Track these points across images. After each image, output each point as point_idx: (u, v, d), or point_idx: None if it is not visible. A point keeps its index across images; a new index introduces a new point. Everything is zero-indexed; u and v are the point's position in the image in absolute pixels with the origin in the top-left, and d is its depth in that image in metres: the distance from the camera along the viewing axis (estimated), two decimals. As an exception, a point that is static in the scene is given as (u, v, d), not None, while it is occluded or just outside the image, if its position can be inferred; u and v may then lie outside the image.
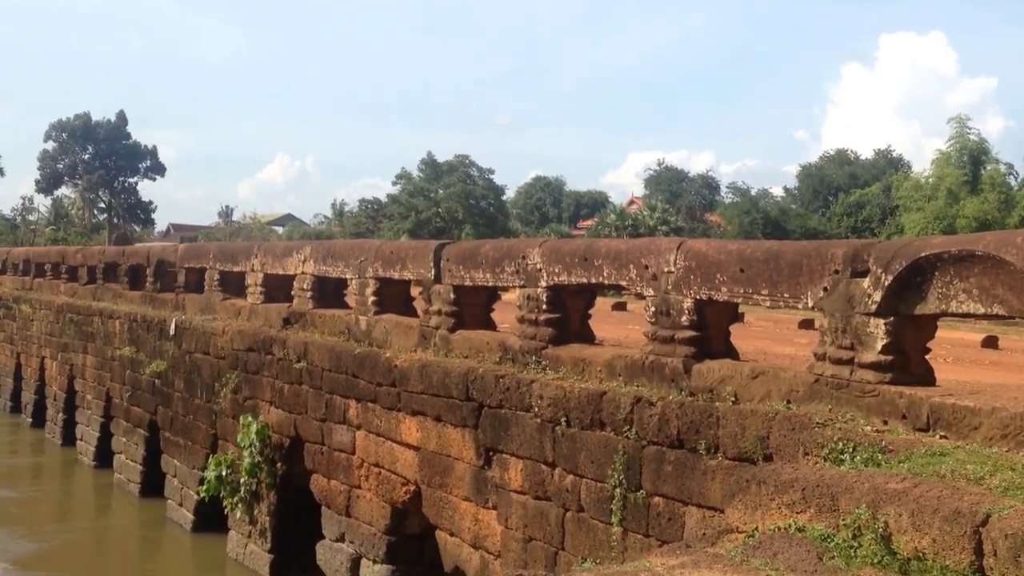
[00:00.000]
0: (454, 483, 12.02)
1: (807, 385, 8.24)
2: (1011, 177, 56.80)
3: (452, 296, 12.68)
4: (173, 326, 19.68)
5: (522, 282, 11.48)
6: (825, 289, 8.12)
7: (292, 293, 16.50)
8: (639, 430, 9.31)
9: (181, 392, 19.38)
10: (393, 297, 14.40)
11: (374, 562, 13.77)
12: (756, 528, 6.75)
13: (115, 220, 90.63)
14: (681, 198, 74.89)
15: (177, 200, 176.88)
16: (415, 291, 14.68)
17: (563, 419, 10.18)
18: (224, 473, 16.32)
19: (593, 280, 10.59)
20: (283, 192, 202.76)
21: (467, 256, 12.49)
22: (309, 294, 15.94)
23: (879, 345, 7.72)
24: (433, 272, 12.98)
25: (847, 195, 68.25)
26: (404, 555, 13.62)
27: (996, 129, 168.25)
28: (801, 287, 8.34)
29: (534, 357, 11.12)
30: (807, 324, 21.15)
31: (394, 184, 74.50)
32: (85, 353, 24.94)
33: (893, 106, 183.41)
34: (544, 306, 11.13)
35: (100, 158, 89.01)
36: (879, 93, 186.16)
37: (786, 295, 8.49)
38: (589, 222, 77.68)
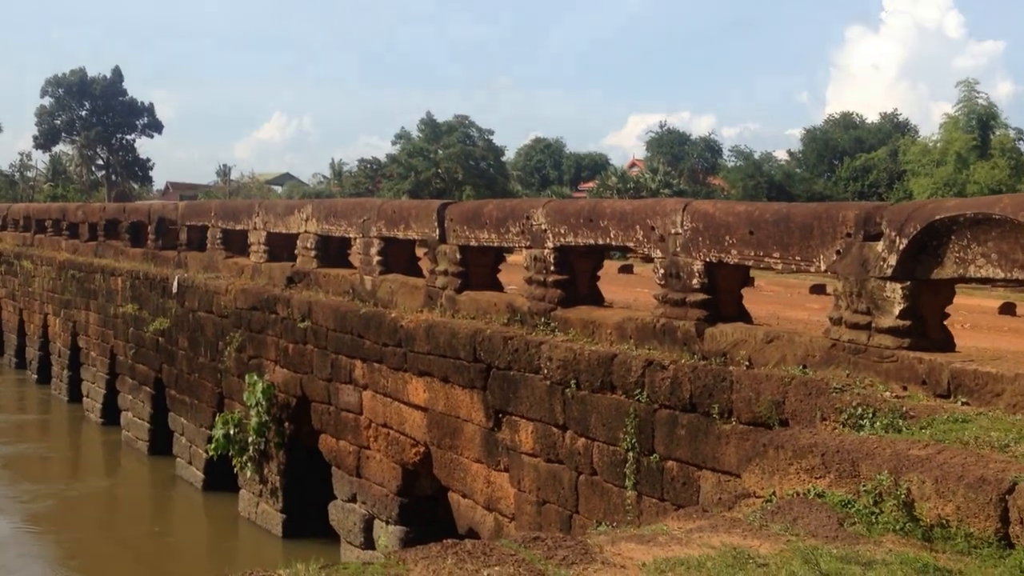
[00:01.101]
0: (464, 445, 11.95)
1: (823, 350, 8.14)
2: (1021, 143, 56.30)
3: (458, 256, 12.55)
4: (176, 284, 19.56)
5: (528, 243, 11.35)
6: (838, 252, 8.00)
7: (296, 252, 16.37)
8: (651, 393, 9.22)
9: (185, 350, 19.29)
10: (398, 257, 14.27)
11: (387, 523, 13.74)
12: (773, 493, 6.68)
13: (113, 178, 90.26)
14: (683, 161, 74.43)
15: (174, 159, 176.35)
16: (420, 251, 14.58)
17: (573, 381, 10.09)
18: (232, 432, 16.24)
19: (600, 241, 10.46)
20: (280, 151, 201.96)
21: (471, 216, 12.36)
22: (313, 253, 15.81)
23: (896, 310, 7.62)
24: (438, 232, 12.84)
25: (853, 159, 67.68)
26: (417, 516, 13.59)
27: (1004, 94, 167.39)
28: (813, 250, 8.22)
29: (543, 319, 11.01)
30: (818, 289, 21.00)
31: (393, 144, 74.05)
32: (88, 310, 24.84)
33: (898, 69, 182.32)
34: (551, 267, 11.01)
35: (97, 115, 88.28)
36: (884, 56, 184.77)
37: (797, 258, 8.38)
38: (590, 184, 77.23)
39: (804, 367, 8.21)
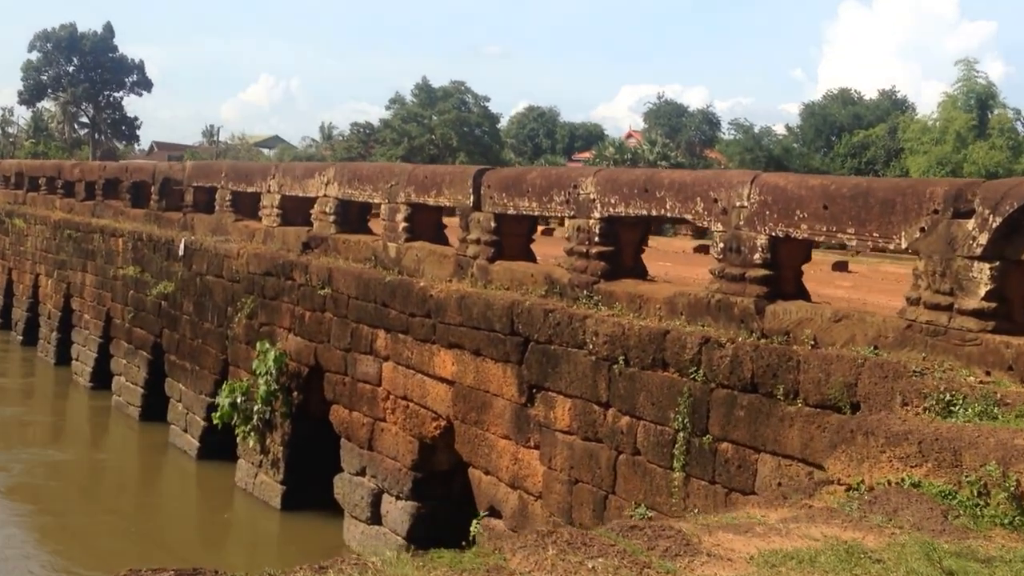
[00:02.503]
0: (492, 420, 11.69)
1: (897, 331, 7.89)
2: (1019, 123, 56.10)
3: (492, 225, 12.25)
4: (182, 247, 19.20)
5: (572, 212, 11.07)
6: (922, 230, 7.75)
7: (312, 216, 16.04)
8: (707, 372, 8.96)
9: (190, 315, 18.96)
10: (424, 224, 13.96)
11: (398, 498, 13.50)
12: (861, 481, 6.44)
13: (96, 136, 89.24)
14: (680, 133, 74.05)
15: (158, 118, 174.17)
16: (447, 219, 14.29)
17: (621, 358, 9.83)
18: (239, 400, 15.94)
19: (654, 212, 10.19)
20: (267, 114, 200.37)
21: (511, 183, 12.05)
22: (332, 218, 15.48)
23: (982, 291, 7.38)
24: (472, 199, 12.53)
25: (851, 135, 67.52)
26: (431, 492, 13.35)
27: (996, 74, 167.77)
28: (894, 227, 7.96)
29: (585, 292, 10.74)
30: (841, 267, 20.75)
31: (387, 108, 73.46)
32: (84, 271, 24.44)
33: (892, 47, 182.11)
34: (596, 238, 10.73)
35: (85, 71, 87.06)
36: (877, 33, 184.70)
37: (875, 235, 8.12)
38: (586, 154, 76.87)
39: (875, 348, 7.97)
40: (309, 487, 15.75)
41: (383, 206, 14.30)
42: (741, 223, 9.14)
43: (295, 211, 16.99)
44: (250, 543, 15.64)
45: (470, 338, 11.94)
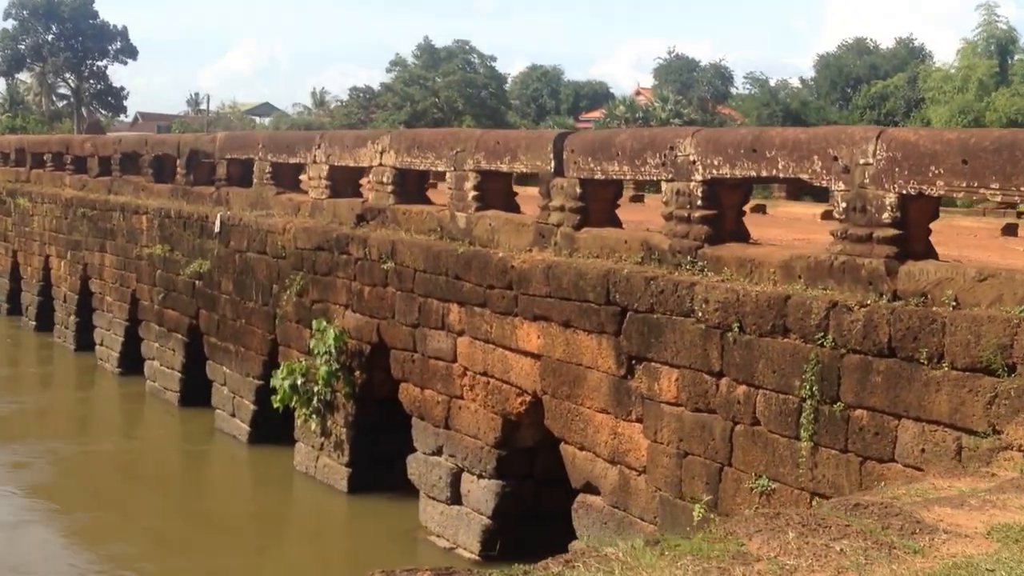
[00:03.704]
0: (587, 394, 11.75)
1: (1051, 289, 7.94)
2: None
3: (578, 191, 12.25)
4: (218, 223, 19.19)
5: (670, 175, 11.08)
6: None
7: (367, 187, 16.05)
8: (837, 337, 9.01)
9: (230, 294, 18.97)
10: (495, 192, 13.97)
11: (479, 476, 13.58)
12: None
13: (79, 107, 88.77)
14: (692, 89, 73.92)
15: (135, 88, 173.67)
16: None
17: (735, 325, 9.88)
18: (299, 382, 15.97)
19: (763, 173, 10.22)
20: (250, 80, 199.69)
21: (598, 147, 12.06)
22: (390, 188, 15.46)
23: None
24: (553, 164, 12.54)
25: (869, 86, 67.36)
26: (514, 469, 13.42)
27: (1011, 18, 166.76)
28: (1046, 179, 7.98)
29: (688, 257, 10.77)
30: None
31: (388, 72, 73.22)
32: (103, 251, 24.41)
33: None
34: (699, 202, 10.75)
35: (65, 39, 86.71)
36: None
37: (1023, 188, 8.15)
38: (596, 114, 76.69)
39: (1025, 308, 8.00)
40: (375, 468, 15.85)
41: (448, 174, 14.30)
42: (866, 181, 9.16)
43: (343, 182, 17.00)
44: (317, 527, 15.75)
45: (559, 310, 11.97)
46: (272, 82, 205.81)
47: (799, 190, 25.70)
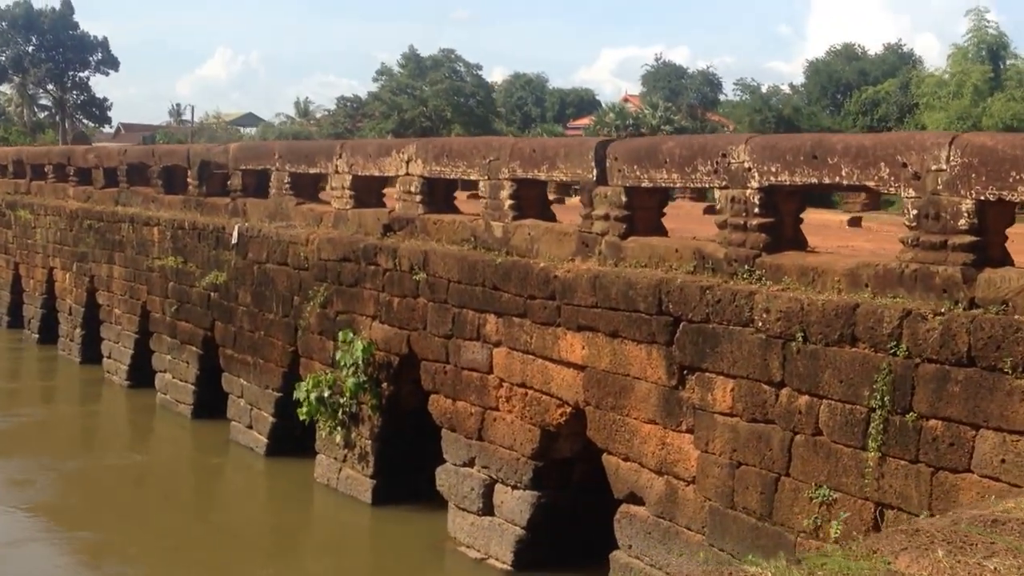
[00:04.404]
0: (634, 404, 11.57)
1: None
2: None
3: (623, 199, 12.07)
4: (236, 234, 18.94)
5: (723, 183, 10.91)
6: None
7: (395, 197, 15.84)
8: (911, 346, 8.85)
9: (248, 306, 18.72)
10: (530, 201, 13.79)
11: (514, 488, 13.39)
12: None
13: (57, 119, 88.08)
14: (681, 96, 73.90)
15: (111, 98, 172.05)
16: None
17: (799, 335, 9.71)
18: (326, 394, 15.74)
19: (825, 180, 10.05)
20: (226, 89, 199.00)
21: (643, 155, 11.89)
22: (418, 197, 15.26)
23: None
24: (595, 172, 12.36)
25: (860, 92, 67.54)
26: (550, 481, 13.24)
27: (968, 26, 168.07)
28: None
29: (745, 266, 10.60)
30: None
31: (375, 80, 73.02)
32: (111, 263, 24.12)
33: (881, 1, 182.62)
34: (756, 209, 10.59)
35: (46, 50, 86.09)
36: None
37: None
38: (584, 121, 76.67)
39: (1112, 316, 7.87)
40: (400, 480, 15.66)
41: (482, 183, 14.10)
42: (939, 187, 9.01)
43: (367, 192, 16.80)
44: (341, 538, 15.54)
45: (605, 320, 11.79)
46: (249, 92, 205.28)
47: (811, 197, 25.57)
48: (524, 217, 13.62)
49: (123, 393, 23.44)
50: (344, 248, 16.16)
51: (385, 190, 17.59)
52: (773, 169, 10.41)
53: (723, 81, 76.91)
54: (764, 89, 67.58)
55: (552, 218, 13.81)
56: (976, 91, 52.97)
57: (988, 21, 54.56)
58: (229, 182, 20.30)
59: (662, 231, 12.31)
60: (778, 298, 9.98)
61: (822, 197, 25.70)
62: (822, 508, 9.51)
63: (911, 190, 9.24)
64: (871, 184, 9.67)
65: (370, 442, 15.74)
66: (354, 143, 17.61)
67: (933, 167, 9.05)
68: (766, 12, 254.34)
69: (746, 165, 10.64)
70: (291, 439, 17.74)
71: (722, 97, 76.22)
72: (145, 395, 22.50)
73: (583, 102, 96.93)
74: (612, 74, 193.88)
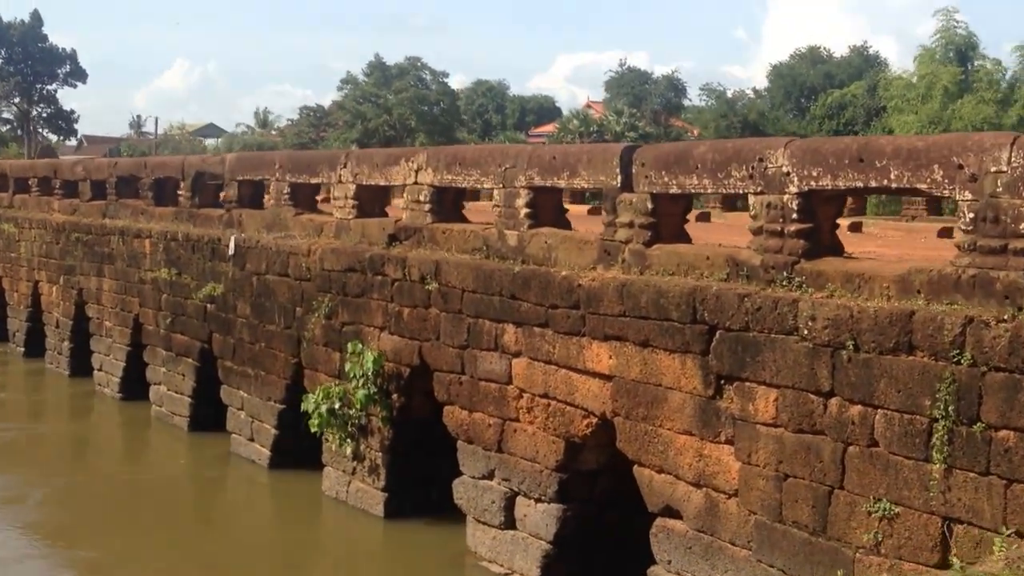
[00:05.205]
0: (667, 415, 11.03)
1: None
2: (997, 75, 55.78)
3: (649, 206, 11.53)
4: (233, 245, 18.26)
5: (759, 188, 10.39)
6: None
7: (402, 206, 15.25)
8: (976, 355, 8.35)
9: (247, 318, 18.04)
10: (546, 209, 13.23)
11: (538, 501, 12.83)
12: None
13: (19, 132, 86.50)
14: (645, 102, 73.58)
15: (77, 111, 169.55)
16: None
17: (850, 343, 9.20)
18: (336, 406, 15.11)
19: (872, 184, 9.54)
20: (184, 100, 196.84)
21: (673, 160, 11.35)
22: (427, 207, 14.66)
23: None
24: (620, 179, 11.81)
25: (826, 95, 67.16)
26: (575, 493, 12.68)
27: (935, 29, 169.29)
28: None
29: (783, 273, 10.08)
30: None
31: (339, 90, 72.15)
32: (100, 276, 23.34)
33: (837, 1, 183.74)
34: (794, 215, 10.07)
35: (15, 63, 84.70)
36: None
37: None
38: (548, 127, 76.19)
39: None
40: (412, 492, 15.09)
41: (496, 191, 13.53)
42: (999, 190, 8.53)
43: (370, 201, 16.20)
44: (353, 553, 14.97)
45: (635, 329, 11.24)
46: (207, 103, 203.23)
47: (734, 199, 24.94)
48: (540, 226, 13.06)
49: (116, 406, 22.66)
50: (349, 258, 15.54)
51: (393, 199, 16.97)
52: (814, 173, 9.89)
53: (687, 86, 76.63)
54: (730, 94, 67.34)
55: (568, 227, 13.25)
56: (946, 93, 52.14)
57: (957, 21, 53.88)
58: (223, 193, 19.61)
59: (686, 238, 11.78)
60: (825, 305, 9.47)
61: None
62: (882, 523, 9.00)
63: (967, 192, 8.75)
64: (923, 187, 9.18)
65: (381, 454, 15.13)
66: (359, 153, 17.03)
67: (992, 168, 8.57)
68: (722, 17, 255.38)
69: (784, 169, 10.13)
70: (294, 452, 17.12)
71: (686, 102, 76.14)
72: (139, 408, 21.77)
73: (543, 109, 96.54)
74: (567, 80, 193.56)
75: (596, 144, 13.50)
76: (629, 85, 75.25)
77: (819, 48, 74.44)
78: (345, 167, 16.21)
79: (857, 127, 60.67)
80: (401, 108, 69.66)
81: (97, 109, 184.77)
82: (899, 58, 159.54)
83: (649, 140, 60.92)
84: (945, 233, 18.86)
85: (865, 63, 70.50)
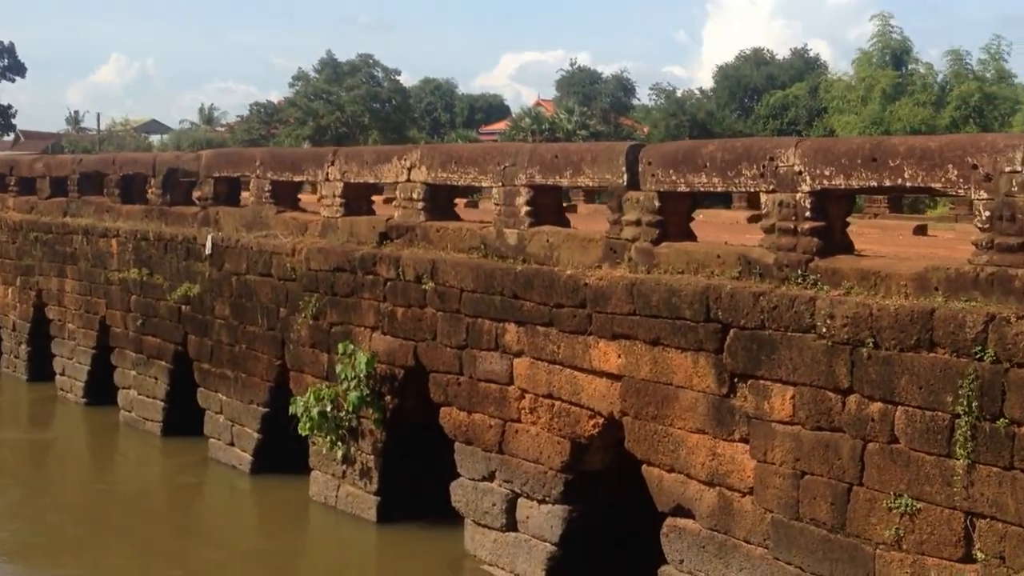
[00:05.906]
0: (678, 414, 11.24)
1: None
2: (930, 78, 56.93)
3: (656, 204, 11.75)
4: (209, 244, 18.20)
5: (771, 186, 10.64)
6: None
7: (394, 204, 15.35)
8: (999, 351, 8.64)
9: (226, 319, 18.00)
10: (547, 208, 13.39)
11: (541, 502, 12.97)
12: None
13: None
14: (595, 100, 74.11)
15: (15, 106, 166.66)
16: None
17: (869, 340, 9.47)
18: (328, 409, 15.14)
19: (886, 183, 9.82)
20: (120, 97, 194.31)
21: (681, 159, 11.57)
22: (420, 204, 14.76)
23: None
24: (625, 177, 12.02)
25: (769, 96, 68.34)
26: (580, 495, 12.84)
27: (872, 32, 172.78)
28: None
29: (797, 271, 10.34)
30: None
31: (291, 86, 71.84)
32: (62, 277, 23.09)
33: (774, 6, 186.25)
34: (807, 213, 10.33)
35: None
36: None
37: None
38: (500, 125, 76.47)
39: None
40: (404, 497, 15.15)
41: (495, 190, 13.67)
42: (1014, 189, 8.84)
43: (358, 199, 16.25)
44: (346, 559, 14.93)
45: (645, 328, 11.44)
46: (143, 99, 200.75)
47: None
48: (541, 224, 13.22)
49: (81, 411, 22.40)
50: (337, 257, 15.58)
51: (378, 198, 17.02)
52: (827, 173, 10.16)
53: (636, 86, 77.33)
54: (679, 94, 68.03)
55: (567, 224, 13.44)
56: (884, 95, 53.59)
57: (892, 26, 55.44)
58: (197, 191, 19.52)
59: (692, 236, 12.01)
60: (843, 303, 9.73)
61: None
62: (904, 519, 9.27)
63: (983, 192, 9.05)
64: (937, 186, 9.47)
65: (373, 457, 15.19)
66: (348, 150, 16.97)
67: (1007, 168, 8.87)
68: (664, 19, 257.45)
69: (796, 169, 10.38)
70: (277, 456, 17.08)
71: (635, 102, 76.80)
72: (106, 413, 21.50)
73: (491, 107, 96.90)
74: (512, 79, 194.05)
75: (599, 143, 13.73)
76: (579, 84, 75.67)
77: (763, 50, 75.59)
78: (333, 164, 16.24)
79: (800, 127, 61.74)
80: (354, 105, 69.54)
81: (32, 104, 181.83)
82: (833, 61, 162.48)
83: (599, 138, 61.48)
84: (920, 231, 19.37)
85: (805, 65, 71.95)
